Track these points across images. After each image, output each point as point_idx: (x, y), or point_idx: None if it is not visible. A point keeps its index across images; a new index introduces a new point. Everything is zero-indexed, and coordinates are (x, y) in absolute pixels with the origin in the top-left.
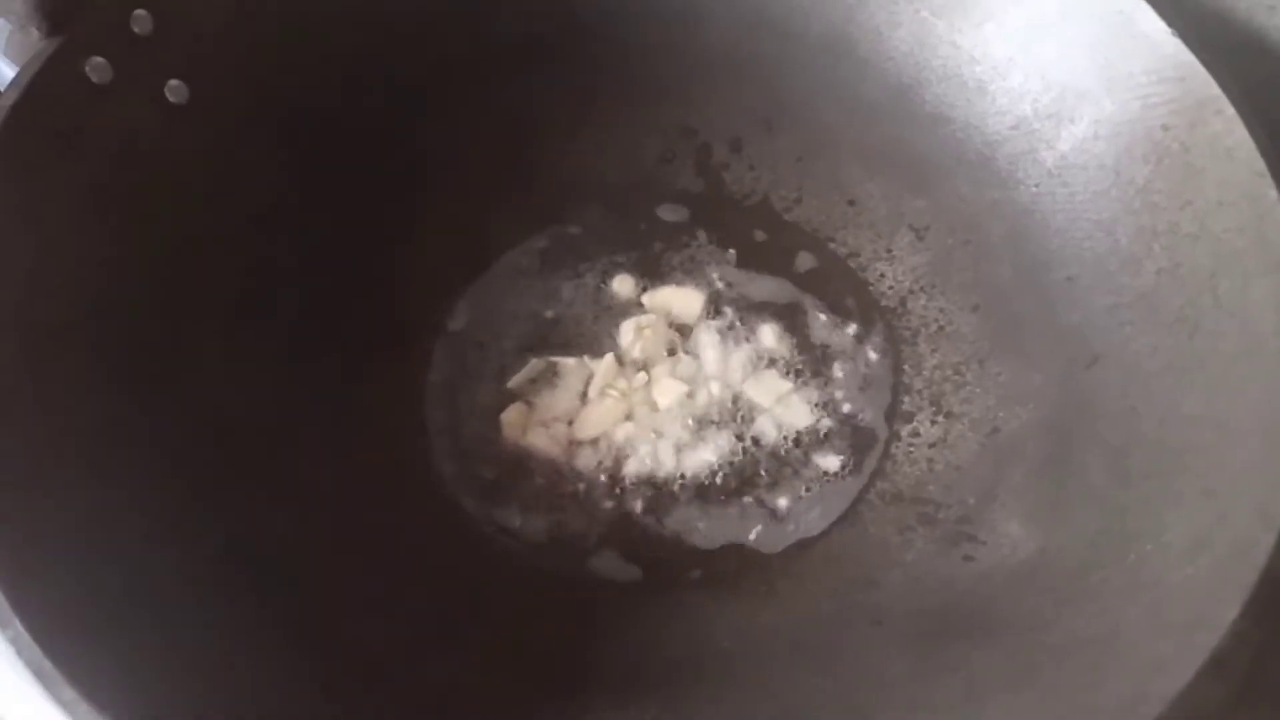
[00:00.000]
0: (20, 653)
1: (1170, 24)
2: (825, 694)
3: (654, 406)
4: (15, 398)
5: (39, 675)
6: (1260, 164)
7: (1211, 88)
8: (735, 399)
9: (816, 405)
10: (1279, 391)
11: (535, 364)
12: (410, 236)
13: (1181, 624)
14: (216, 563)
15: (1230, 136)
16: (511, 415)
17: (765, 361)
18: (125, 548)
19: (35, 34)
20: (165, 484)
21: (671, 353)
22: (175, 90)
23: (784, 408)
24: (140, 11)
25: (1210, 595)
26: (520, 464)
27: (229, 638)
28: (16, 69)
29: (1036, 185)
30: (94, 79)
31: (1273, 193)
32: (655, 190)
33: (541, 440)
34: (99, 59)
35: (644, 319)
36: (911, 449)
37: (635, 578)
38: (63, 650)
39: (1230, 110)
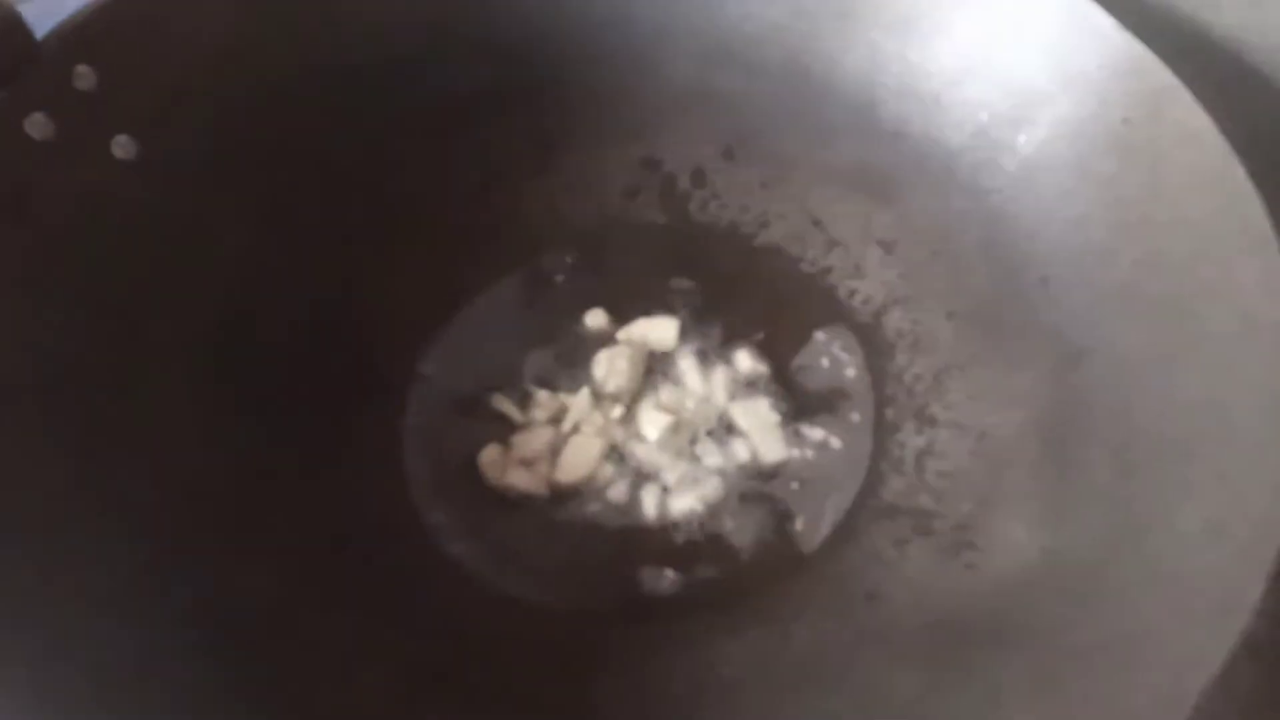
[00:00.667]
0: None
1: (1119, 20)
2: (837, 717)
3: (641, 439)
4: None
5: None
6: (1225, 145)
7: (1168, 77)
8: (720, 421)
9: (794, 432)
10: (1275, 366)
11: (507, 402)
12: (379, 283)
13: (1208, 610)
14: (183, 624)
15: (1193, 121)
16: (490, 455)
17: (745, 384)
18: (86, 612)
19: None
20: (130, 545)
21: (649, 380)
22: (123, 145)
23: (763, 438)
24: (82, 67)
25: (1233, 577)
26: (503, 504)
27: (198, 708)
28: None
29: (1002, 190)
30: (35, 135)
31: (1242, 172)
32: (622, 225)
33: (522, 480)
34: (39, 115)
35: (617, 350)
36: (899, 461)
37: (631, 613)
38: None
39: (1188, 97)
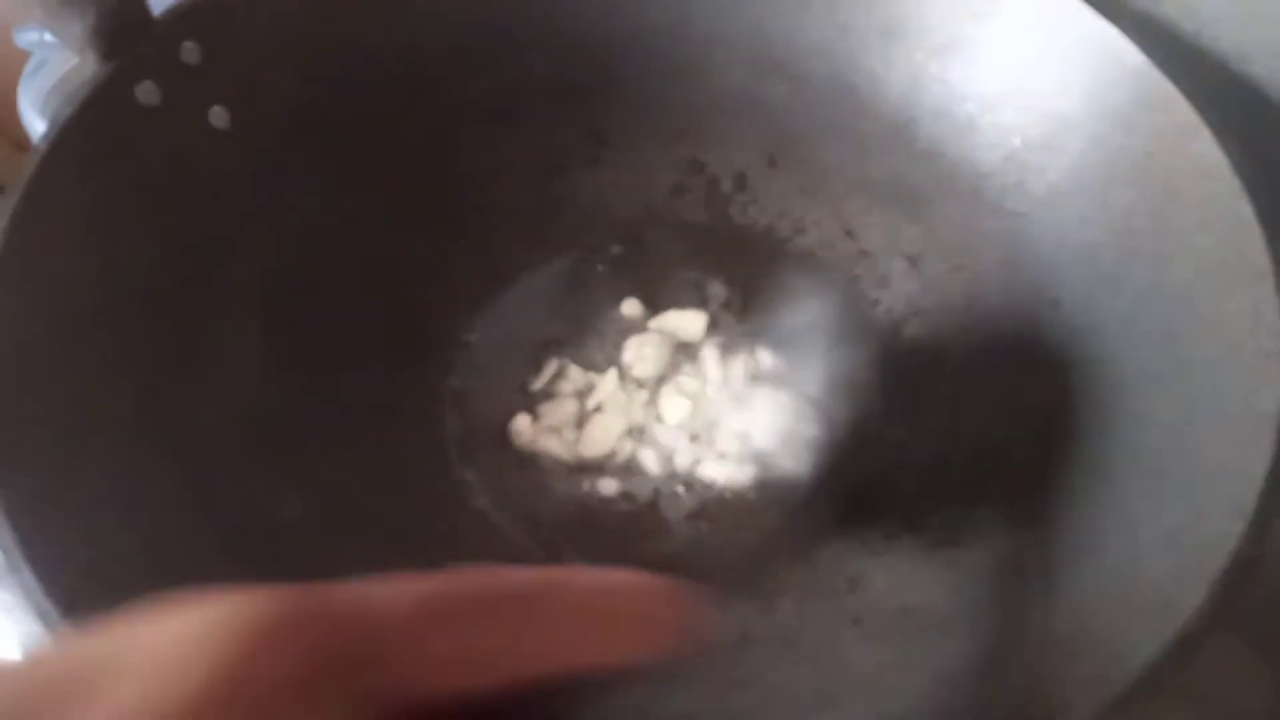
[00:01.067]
0: (28, 598)
1: (1150, 56)
2: (802, 684)
3: (661, 421)
4: (52, 371)
5: (43, 620)
6: (1236, 183)
7: (1190, 114)
8: (735, 409)
9: (803, 424)
10: (1255, 394)
11: (540, 375)
12: (435, 254)
13: (1148, 609)
14: (230, 535)
15: (1208, 159)
16: (520, 424)
17: (764, 377)
18: (141, 516)
19: (91, 58)
20: (187, 462)
21: (674, 367)
22: (218, 116)
23: (772, 428)
24: (189, 43)
25: (1178, 582)
26: (528, 469)
27: None
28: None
29: (1026, 214)
30: (142, 101)
31: (1249, 209)
32: (666, 220)
33: (551, 445)
34: (149, 83)
35: (647, 338)
36: (902, 463)
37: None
38: (69, 600)
39: (1208, 134)
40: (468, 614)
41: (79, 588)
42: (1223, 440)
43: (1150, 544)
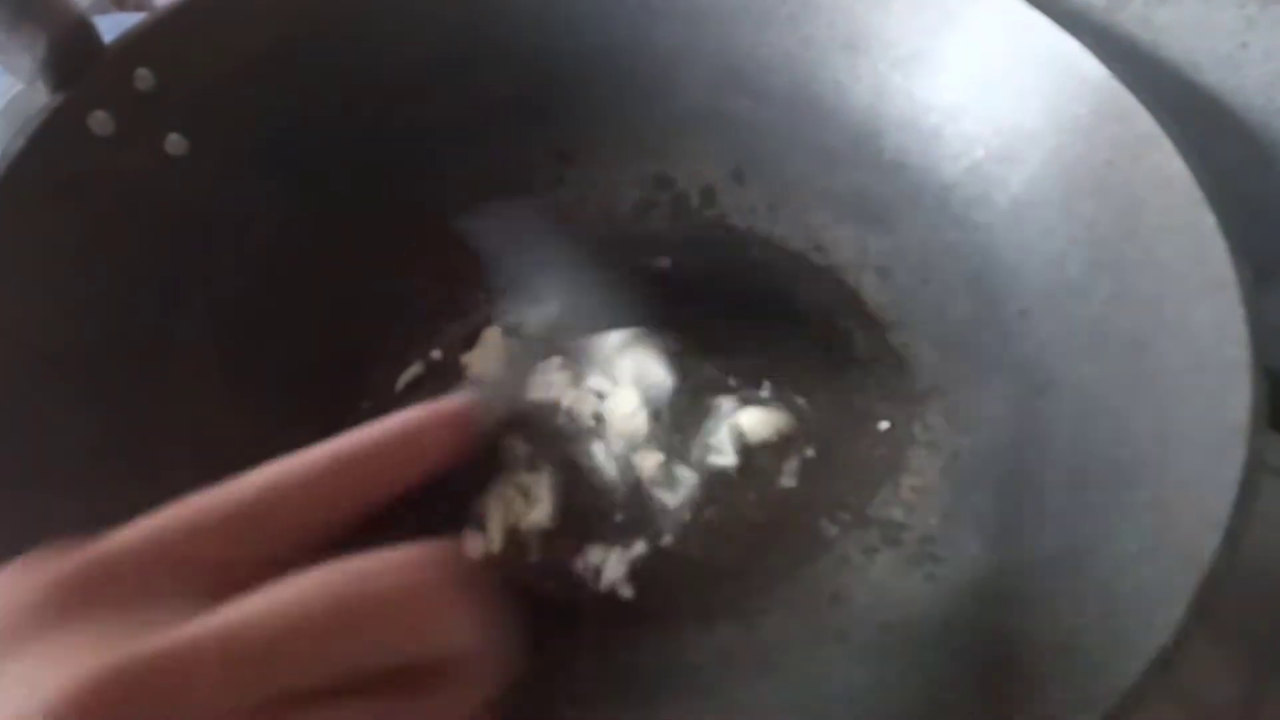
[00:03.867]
0: None
1: (1110, 67)
2: (787, 703)
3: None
4: (19, 413)
5: None
6: (1198, 193)
7: (1151, 124)
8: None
9: (780, 441)
10: (1221, 404)
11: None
12: (395, 275)
13: (1129, 627)
14: None
15: (1169, 168)
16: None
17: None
18: None
19: (42, 89)
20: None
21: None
22: (174, 144)
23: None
24: (143, 70)
25: (1158, 598)
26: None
27: None
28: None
29: (991, 225)
30: (96, 131)
31: (1211, 219)
32: (634, 238)
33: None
34: (101, 113)
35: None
36: (876, 475)
37: (607, 600)
38: None
39: (1169, 144)
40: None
41: None
42: (1195, 452)
43: (1127, 560)
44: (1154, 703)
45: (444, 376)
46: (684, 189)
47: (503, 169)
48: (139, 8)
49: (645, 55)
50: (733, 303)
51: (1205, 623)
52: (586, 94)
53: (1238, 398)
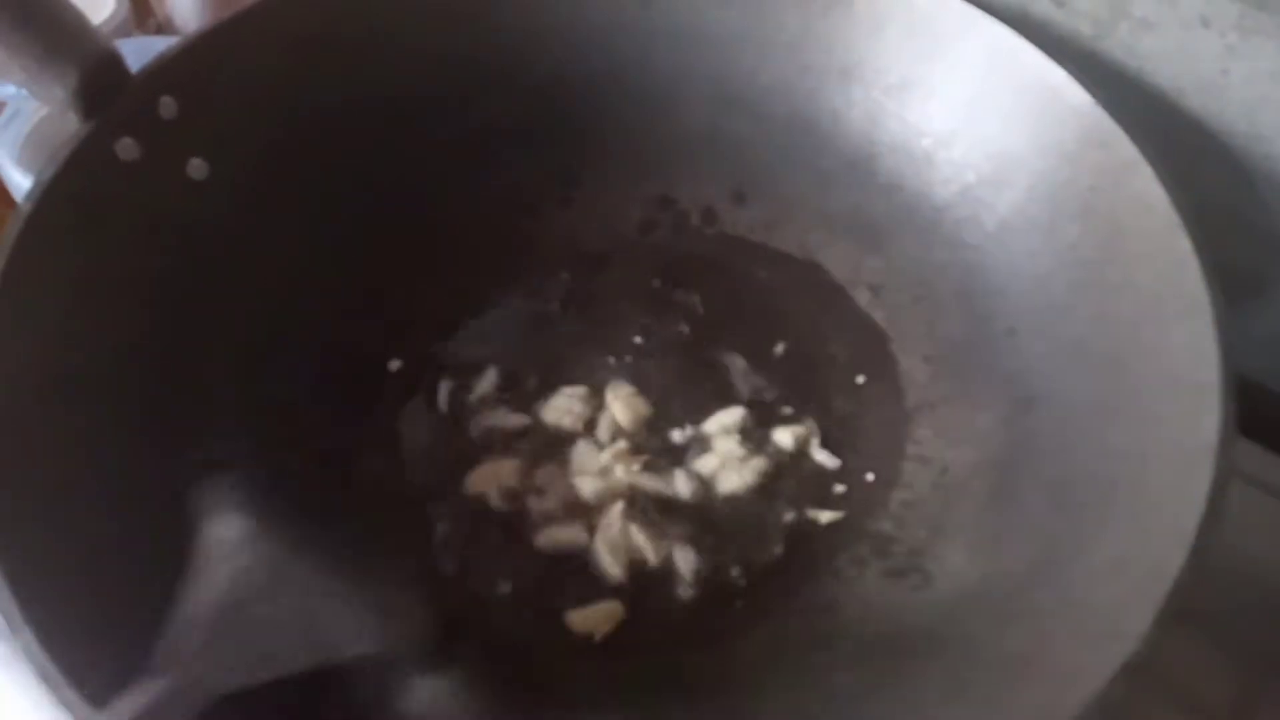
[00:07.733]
0: (29, 659)
1: (1094, 95)
2: (775, 707)
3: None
4: (40, 433)
5: (44, 678)
6: (1175, 218)
7: (1132, 151)
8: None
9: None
10: (1192, 424)
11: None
12: (404, 296)
13: (1100, 636)
14: None
15: (1149, 194)
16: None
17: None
18: (130, 571)
19: (72, 118)
20: (169, 513)
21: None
22: (196, 168)
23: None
24: (167, 98)
25: (1127, 609)
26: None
27: None
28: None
29: (980, 246)
30: (122, 157)
31: (1187, 244)
32: (637, 256)
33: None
34: (128, 139)
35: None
36: (869, 488)
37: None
38: (68, 657)
39: (1149, 170)
40: None
41: (79, 645)
42: (1168, 468)
43: (1101, 571)
44: (1151, 705)
45: (454, 392)
46: (685, 208)
47: (512, 191)
48: (159, 31)
49: (648, 80)
50: (731, 316)
51: (1204, 627)
52: (592, 118)
53: (1209, 418)
